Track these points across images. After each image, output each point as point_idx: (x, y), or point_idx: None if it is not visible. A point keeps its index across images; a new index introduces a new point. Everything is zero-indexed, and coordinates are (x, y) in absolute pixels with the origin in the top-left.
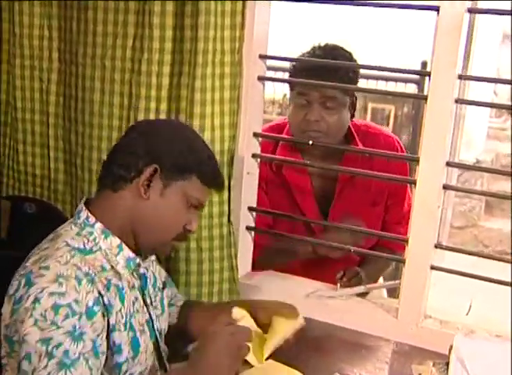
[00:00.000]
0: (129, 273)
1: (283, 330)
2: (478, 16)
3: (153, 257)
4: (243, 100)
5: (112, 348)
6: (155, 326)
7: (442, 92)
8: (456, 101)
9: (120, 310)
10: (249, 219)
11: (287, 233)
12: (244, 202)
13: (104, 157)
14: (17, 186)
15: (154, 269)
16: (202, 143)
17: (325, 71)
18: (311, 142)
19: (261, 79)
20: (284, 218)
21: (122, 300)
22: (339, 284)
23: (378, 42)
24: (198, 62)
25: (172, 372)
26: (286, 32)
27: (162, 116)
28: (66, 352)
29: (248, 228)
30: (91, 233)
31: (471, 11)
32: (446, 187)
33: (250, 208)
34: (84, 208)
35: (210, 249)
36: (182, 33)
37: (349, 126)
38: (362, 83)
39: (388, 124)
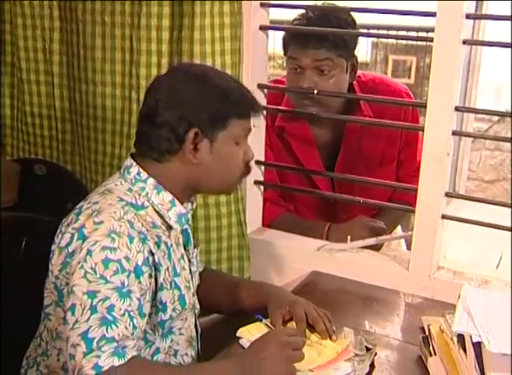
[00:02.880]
0: (180, 227)
1: (334, 351)
2: None
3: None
4: (246, 51)
5: (158, 306)
6: (194, 283)
7: (447, 33)
8: (464, 42)
9: (168, 269)
10: (257, 173)
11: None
12: None
13: (109, 115)
14: (26, 148)
15: (189, 230)
16: (225, 78)
17: (318, 37)
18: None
19: (264, 28)
20: (291, 170)
21: (170, 258)
22: (349, 237)
23: None
24: (196, 12)
25: (222, 363)
26: None
27: (164, 71)
28: (112, 307)
29: (256, 182)
30: (143, 189)
31: None
32: (455, 133)
33: (258, 162)
34: (134, 163)
35: (216, 205)
36: None
37: (352, 86)
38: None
39: (409, 76)
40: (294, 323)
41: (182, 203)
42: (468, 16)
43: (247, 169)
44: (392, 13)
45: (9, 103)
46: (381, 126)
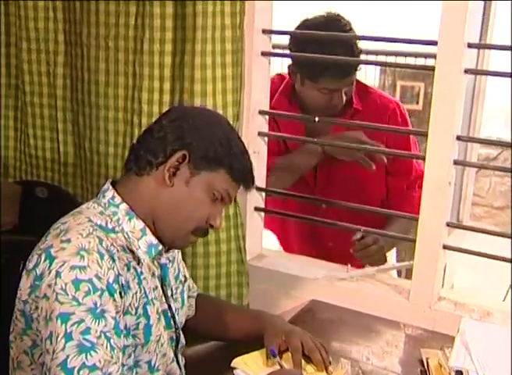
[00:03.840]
0: (149, 259)
1: None
2: None
3: (175, 251)
4: (247, 77)
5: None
6: (176, 319)
7: (449, 62)
8: (466, 71)
9: (136, 293)
10: (257, 200)
11: None
12: None
13: (111, 138)
14: (29, 170)
15: (179, 261)
16: (237, 136)
17: (340, 46)
18: (317, 119)
19: (265, 54)
20: (295, 197)
21: (139, 283)
22: (349, 265)
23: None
24: (197, 38)
25: None
26: (294, 7)
27: (166, 96)
28: (87, 330)
29: (257, 209)
30: (115, 214)
31: None
32: (456, 163)
33: (259, 189)
34: (111, 187)
35: (216, 230)
36: (183, 9)
37: None
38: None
39: (418, 102)
40: (290, 354)
41: (154, 234)
42: (470, 45)
43: (204, 232)
44: (394, 41)
45: (13, 125)
46: (384, 153)
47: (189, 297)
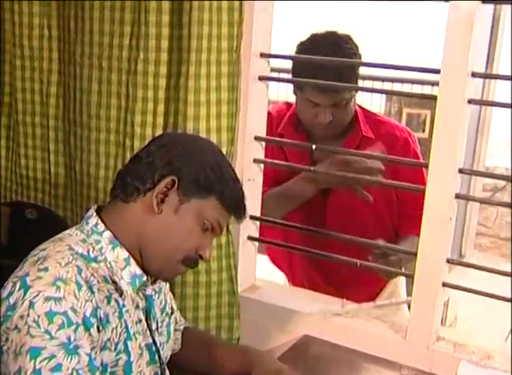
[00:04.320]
0: (133, 290)
1: None
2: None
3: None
4: (243, 101)
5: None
6: (161, 353)
7: (452, 91)
8: (469, 101)
9: (116, 328)
10: (251, 229)
11: None
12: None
13: (102, 161)
14: (19, 190)
15: (166, 292)
16: (228, 164)
17: (330, 71)
18: (314, 147)
19: (263, 79)
20: (290, 228)
21: (120, 317)
22: (344, 300)
23: (388, 38)
24: (192, 60)
25: None
26: (295, 30)
27: (159, 118)
28: (58, 367)
29: (250, 238)
30: (98, 242)
31: (486, 1)
32: (458, 197)
33: (253, 217)
34: (95, 214)
35: (206, 262)
36: (179, 31)
37: (355, 111)
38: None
39: (424, 130)
40: None
41: (139, 265)
42: (474, 75)
43: (194, 263)
44: (395, 68)
45: (5, 144)
46: (382, 184)
47: (175, 330)
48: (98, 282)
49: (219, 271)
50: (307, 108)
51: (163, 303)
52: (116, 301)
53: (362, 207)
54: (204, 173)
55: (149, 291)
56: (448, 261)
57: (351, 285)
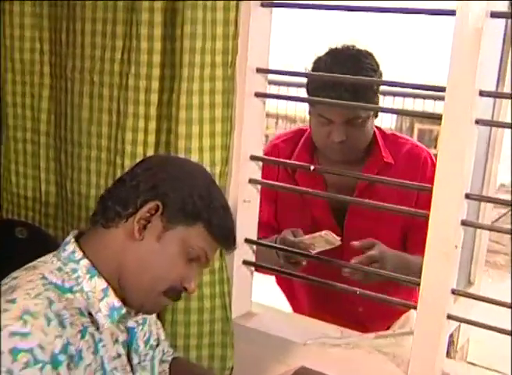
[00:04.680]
0: (112, 324)
1: None
2: None
3: None
4: (238, 119)
5: None
6: None
7: (458, 111)
8: (477, 122)
9: (90, 365)
10: (246, 253)
11: None
12: (241, 233)
13: (93, 180)
14: (10, 208)
15: (151, 322)
16: (219, 192)
17: (345, 89)
18: (312, 167)
19: (259, 95)
20: (285, 251)
21: (95, 353)
22: (341, 331)
23: (397, 52)
24: (184, 76)
25: None
26: (298, 42)
27: (151, 136)
28: None
29: (245, 263)
30: (75, 271)
31: (494, 15)
32: (465, 224)
33: (248, 241)
34: (73, 240)
35: (198, 285)
36: (172, 45)
37: (374, 133)
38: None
39: (435, 146)
40: None
41: (118, 296)
42: (482, 93)
43: (177, 295)
44: (401, 86)
45: None
46: (383, 208)
47: (163, 361)
48: (72, 315)
49: (212, 297)
50: (320, 126)
51: (147, 335)
52: (92, 335)
53: (380, 229)
54: (191, 200)
55: (131, 323)
56: (453, 292)
57: (362, 322)
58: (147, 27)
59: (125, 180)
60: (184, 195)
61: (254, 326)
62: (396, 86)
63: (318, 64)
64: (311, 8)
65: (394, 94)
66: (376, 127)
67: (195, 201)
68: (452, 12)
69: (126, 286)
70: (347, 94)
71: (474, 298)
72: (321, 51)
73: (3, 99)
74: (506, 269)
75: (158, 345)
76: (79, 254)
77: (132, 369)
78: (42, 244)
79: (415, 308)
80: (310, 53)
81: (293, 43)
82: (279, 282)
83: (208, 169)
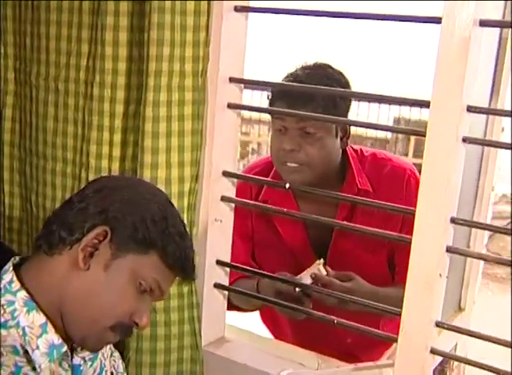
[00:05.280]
0: (51, 363)
1: None
2: None
3: None
4: (209, 132)
5: None
6: None
7: (443, 128)
8: (464, 140)
9: None
10: (218, 275)
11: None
12: (212, 255)
13: (58, 194)
14: None
15: (103, 355)
16: (176, 217)
17: (304, 97)
18: (287, 185)
19: (232, 107)
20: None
21: None
22: (319, 360)
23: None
24: (150, 84)
25: None
26: (277, 50)
27: (116, 149)
28: None
29: (217, 286)
30: (11, 303)
31: (482, 23)
32: (450, 250)
33: (220, 263)
34: (11, 268)
35: (166, 310)
36: (140, 51)
37: (346, 155)
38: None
39: None
40: None
41: (59, 331)
42: (470, 109)
43: (127, 331)
44: (386, 102)
45: None
46: (366, 232)
47: None
48: (4, 354)
49: (180, 323)
50: (275, 136)
51: (97, 371)
52: None
53: (364, 261)
54: (144, 225)
55: (77, 360)
56: (437, 324)
57: (352, 353)
58: (112, 32)
59: (73, 202)
60: (136, 220)
61: (226, 355)
62: (380, 101)
63: (288, 81)
64: (287, 14)
65: (390, 102)
66: (352, 149)
67: (148, 226)
68: (438, 20)
69: (67, 319)
70: (310, 105)
71: (460, 332)
72: (293, 66)
73: None
74: (506, 283)
75: None
76: (16, 284)
77: None
78: (5, 260)
79: (396, 340)
80: (288, 62)
81: (273, 51)
82: (261, 313)
83: (176, 186)
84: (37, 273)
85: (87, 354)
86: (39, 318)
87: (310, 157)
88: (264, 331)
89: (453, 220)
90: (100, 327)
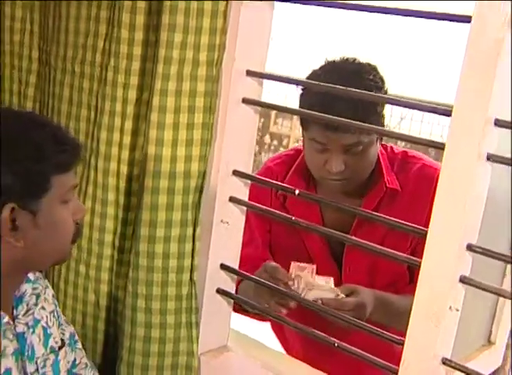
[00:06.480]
0: None
1: None
2: None
3: (42, 311)
4: (220, 127)
5: None
6: None
7: (464, 142)
8: (489, 158)
9: None
10: (221, 280)
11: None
12: (216, 258)
13: None
14: None
15: (47, 322)
16: (35, 123)
17: (342, 105)
18: (297, 192)
19: (248, 102)
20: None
21: None
22: None
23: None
24: (158, 72)
25: None
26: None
27: (127, 136)
28: None
29: (220, 292)
30: None
31: None
32: (464, 281)
33: (224, 267)
34: None
35: (162, 312)
36: (156, 36)
37: (378, 157)
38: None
39: None
40: None
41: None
42: (498, 123)
43: (78, 230)
44: (403, 106)
45: None
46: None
47: (70, 374)
48: None
49: (176, 327)
50: (315, 153)
51: (43, 337)
52: None
53: (383, 261)
54: (29, 171)
55: (20, 328)
56: (444, 362)
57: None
58: (129, 14)
59: None
60: (20, 174)
61: (223, 364)
62: (397, 105)
63: (312, 79)
64: (310, 5)
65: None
66: (382, 146)
67: (33, 169)
68: (467, 19)
69: (36, 268)
70: (346, 113)
71: (468, 373)
72: (318, 62)
73: None
74: None
75: (61, 347)
76: None
77: None
78: None
79: (396, 373)
80: (311, 58)
81: (298, 45)
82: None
83: (181, 182)
84: None
85: (29, 319)
86: None
87: (355, 172)
88: (275, 342)
89: (469, 247)
90: (66, 248)
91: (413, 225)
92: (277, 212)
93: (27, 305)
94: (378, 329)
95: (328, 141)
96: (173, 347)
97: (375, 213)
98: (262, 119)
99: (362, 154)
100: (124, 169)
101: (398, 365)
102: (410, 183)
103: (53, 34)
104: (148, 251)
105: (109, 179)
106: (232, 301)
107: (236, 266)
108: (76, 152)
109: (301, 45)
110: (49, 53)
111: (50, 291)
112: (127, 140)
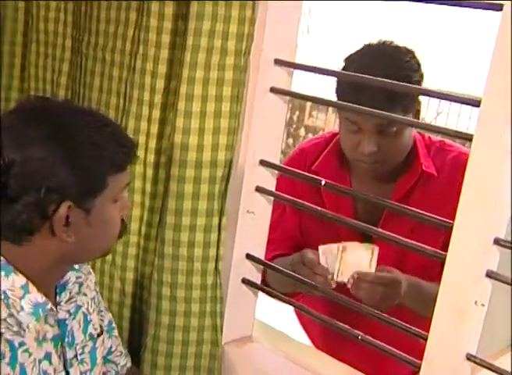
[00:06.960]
0: (37, 322)
1: None
2: None
3: (83, 297)
4: (247, 116)
5: None
6: None
7: (493, 134)
8: None
9: None
10: (246, 270)
11: None
12: (241, 248)
13: None
14: None
15: (88, 309)
16: (95, 122)
17: (379, 91)
18: (323, 182)
19: (276, 91)
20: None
21: (13, 363)
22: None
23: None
24: (186, 61)
25: None
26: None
27: (154, 126)
28: None
29: (245, 281)
30: None
31: None
32: (491, 276)
33: (250, 257)
34: None
35: (187, 300)
36: (185, 25)
37: (414, 142)
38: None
39: None
40: None
41: (41, 289)
42: None
43: (124, 226)
44: (431, 96)
45: None
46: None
47: (108, 361)
48: None
49: (201, 316)
50: (348, 133)
51: (83, 324)
52: (9, 342)
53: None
54: (87, 170)
55: (62, 314)
56: (468, 358)
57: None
58: (159, 2)
59: (11, 178)
60: (79, 174)
61: (246, 355)
62: (427, 95)
63: (349, 63)
64: None
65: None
66: (420, 134)
67: (91, 168)
68: (499, 7)
69: (81, 262)
70: (380, 99)
71: (494, 371)
72: (354, 48)
73: (27, 70)
74: None
75: (100, 335)
76: None
77: (64, 366)
78: None
79: (419, 368)
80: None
81: (335, 39)
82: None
83: (208, 171)
84: (9, 256)
85: (71, 306)
86: (18, 280)
87: (388, 155)
88: (300, 334)
89: (497, 242)
90: (112, 243)
91: (439, 218)
92: (303, 202)
93: (70, 293)
94: (402, 322)
95: (361, 122)
96: (197, 335)
97: (403, 206)
98: (297, 112)
99: (396, 135)
100: (151, 157)
101: (418, 358)
102: (447, 169)
103: (85, 23)
104: (174, 240)
105: (136, 167)
106: (257, 291)
107: (261, 256)
108: (132, 152)
109: (338, 39)
110: (81, 42)
111: (92, 278)
112: (154, 129)
